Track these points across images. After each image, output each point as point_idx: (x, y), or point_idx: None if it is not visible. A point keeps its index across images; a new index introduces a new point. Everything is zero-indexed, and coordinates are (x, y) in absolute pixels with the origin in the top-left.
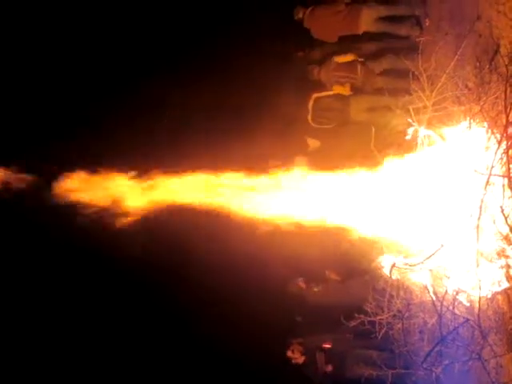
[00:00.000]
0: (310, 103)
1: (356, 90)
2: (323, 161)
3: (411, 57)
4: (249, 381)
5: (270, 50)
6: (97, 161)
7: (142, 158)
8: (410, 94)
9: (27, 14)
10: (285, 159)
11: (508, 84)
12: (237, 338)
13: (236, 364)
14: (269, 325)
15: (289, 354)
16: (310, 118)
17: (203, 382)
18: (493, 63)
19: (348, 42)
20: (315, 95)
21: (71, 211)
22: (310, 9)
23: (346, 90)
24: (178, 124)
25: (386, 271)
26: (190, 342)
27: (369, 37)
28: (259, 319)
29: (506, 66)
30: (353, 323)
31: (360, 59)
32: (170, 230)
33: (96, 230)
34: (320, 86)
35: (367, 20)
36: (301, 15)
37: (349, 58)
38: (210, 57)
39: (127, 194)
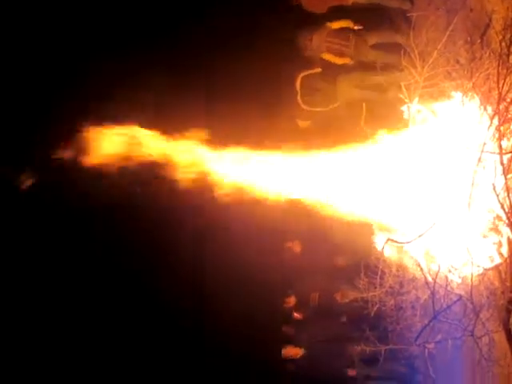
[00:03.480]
0: (297, 83)
1: (344, 67)
2: (314, 139)
3: (403, 32)
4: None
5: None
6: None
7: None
8: (401, 70)
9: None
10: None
11: (501, 60)
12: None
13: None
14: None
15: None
16: (299, 98)
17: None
18: (484, 38)
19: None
20: (302, 74)
21: None
22: None
23: (336, 59)
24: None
25: (378, 248)
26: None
27: (359, 7)
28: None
29: (500, 42)
30: (346, 300)
31: (354, 27)
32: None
33: None
34: (306, 63)
35: None
36: None
37: (343, 23)
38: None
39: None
